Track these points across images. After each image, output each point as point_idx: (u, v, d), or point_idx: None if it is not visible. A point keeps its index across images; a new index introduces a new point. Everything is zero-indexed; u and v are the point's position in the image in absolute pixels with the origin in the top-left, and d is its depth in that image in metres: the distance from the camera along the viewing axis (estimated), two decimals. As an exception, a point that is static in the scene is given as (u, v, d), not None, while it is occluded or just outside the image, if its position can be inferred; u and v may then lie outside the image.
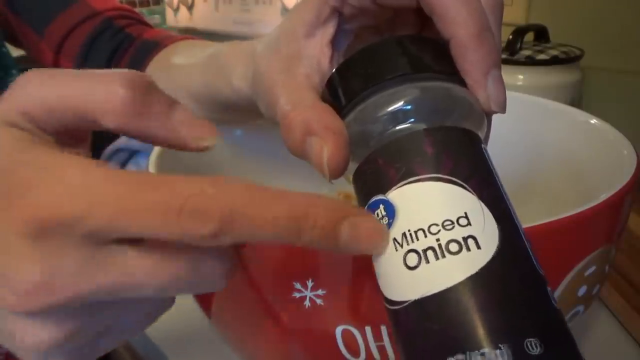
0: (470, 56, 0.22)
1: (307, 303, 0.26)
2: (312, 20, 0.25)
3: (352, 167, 0.22)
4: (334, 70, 0.23)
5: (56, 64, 0.54)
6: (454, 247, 0.18)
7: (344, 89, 0.23)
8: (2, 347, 0.22)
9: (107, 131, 0.22)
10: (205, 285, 0.22)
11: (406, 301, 0.19)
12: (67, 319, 0.20)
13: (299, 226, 0.19)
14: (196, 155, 0.41)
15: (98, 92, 0.21)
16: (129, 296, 0.20)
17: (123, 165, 0.67)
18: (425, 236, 0.18)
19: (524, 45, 0.65)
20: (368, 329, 0.26)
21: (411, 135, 0.20)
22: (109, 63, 0.52)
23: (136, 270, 0.19)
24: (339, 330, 0.26)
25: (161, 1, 1.37)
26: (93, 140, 0.25)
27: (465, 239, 0.18)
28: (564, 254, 0.26)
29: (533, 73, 0.64)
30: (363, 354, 0.27)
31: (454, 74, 0.23)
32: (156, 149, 0.36)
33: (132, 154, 0.68)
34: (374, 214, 0.20)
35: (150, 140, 0.23)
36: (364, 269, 0.25)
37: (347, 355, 0.27)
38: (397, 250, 0.19)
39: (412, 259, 0.18)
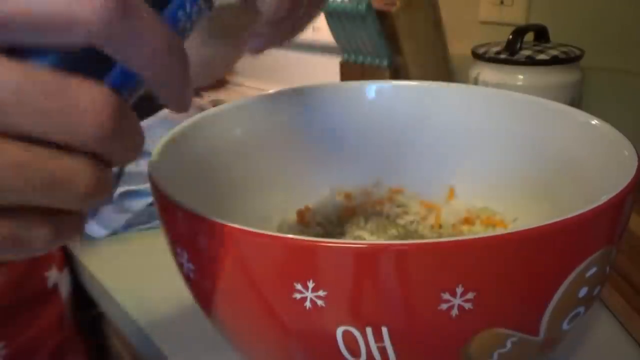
0: None
1: (307, 304, 0.26)
2: None
3: None
4: None
5: None
6: None
7: None
8: (2, 348, 0.22)
9: None
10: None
11: None
12: None
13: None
14: (197, 156, 0.41)
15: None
16: None
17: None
18: None
19: (524, 45, 0.65)
20: (369, 330, 0.26)
21: None
22: None
23: None
24: (339, 331, 0.26)
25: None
26: None
27: None
28: (565, 256, 0.26)
29: (533, 73, 0.64)
30: (364, 355, 0.27)
31: None
32: (157, 148, 0.36)
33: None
34: None
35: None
36: (365, 269, 0.25)
37: (348, 356, 0.27)
38: None
39: None
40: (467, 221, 0.46)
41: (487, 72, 0.67)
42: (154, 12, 0.19)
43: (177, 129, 0.39)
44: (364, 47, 0.79)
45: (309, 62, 1.10)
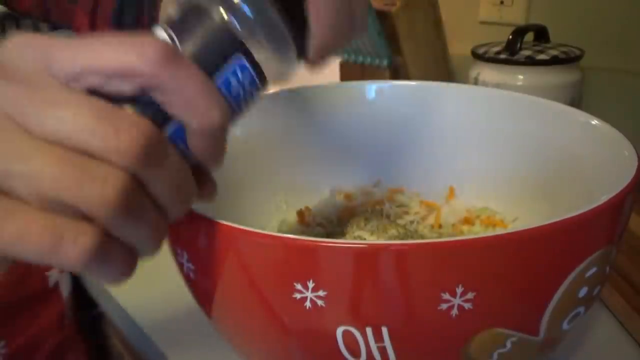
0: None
1: (307, 304, 0.26)
2: None
3: None
4: None
5: (93, 27, 0.54)
6: None
7: None
8: (2, 348, 0.22)
9: None
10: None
11: None
12: None
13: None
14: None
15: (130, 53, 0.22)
16: None
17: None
18: None
19: (524, 45, 0.65)
20: (369, 330, 0.26)
21: None
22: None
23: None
24: (339, 331, 0.26)
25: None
26: None
27: None
28: (565, 256, 0.26)
29: (533, 73, 0.64)
30: (364, 355, 0.27)
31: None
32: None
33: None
34: None
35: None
36: (365, 269, 0.25)
37: (348, 356, 0.27)
38: None
39: None
40: (467, 221, 0.46)
41: (487, 72, 0.67)
42: (194, 65, 0.23)
43: (177, 129, 0.39)
44: (364, 47, 0.79)
45: (309, 62, 1.10)
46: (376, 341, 0.26)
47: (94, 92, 0.22)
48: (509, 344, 0.27)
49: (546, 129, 0.42)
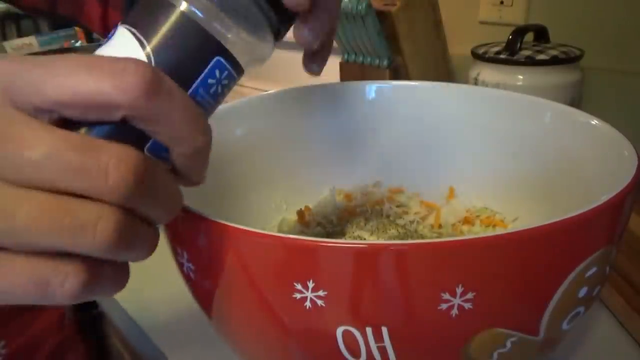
0: None
1: (307, 304, 0.26)
2: None
3: None
4: None
5: (105, 17, 0.54)
6: None
7: None
8: (2, 348, 0.22)
9: None
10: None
11: None
12: None
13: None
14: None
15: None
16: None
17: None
18: None
19: (523, 45, 0.65)
20: (369, 330, 0.26)
21: None
22: None
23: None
24: (339, 331, 0.26)
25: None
26: None
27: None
28: (565, 256, 0.26)
29: (533, 73, 0.64)
30: (364, 355, 0.27)
31: None
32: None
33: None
34: None
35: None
36: (364, 269, 0.25)
37: (348, 356, 0.27)
38: None
39: None
40: (467, 221, 0.46)
41: (487, 72, 0.67)
42: (179, 90, 0.22)
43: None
44: (364, 47, 0.79)
45: (309, 62, 1.10)
46: (376, 341, 0.26)
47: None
48: (509, 344, 0.27)
49: (546, 129, 0.42)
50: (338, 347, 0.27)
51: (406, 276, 0.25)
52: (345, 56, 0.84)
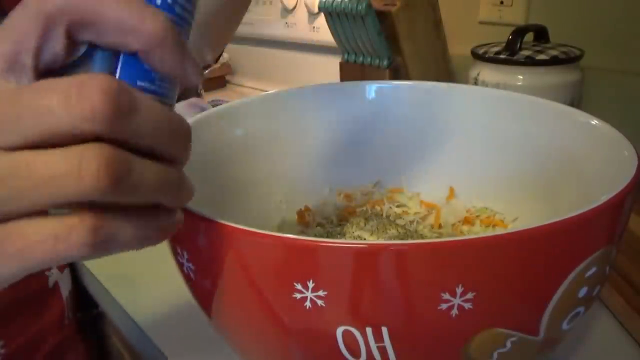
0: None
1: (307, 304, 0.26)
2: None
3: None
4: None
5: None
6: None
7: None
8: (1, 348, 0.22)
9: None
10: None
11: None
12: None
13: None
14: (196, 156, 0.41)
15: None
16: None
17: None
18: None
19: (523, 46, 0.65)
20: (369, 330, 0.26)
21: None
22: None
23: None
24: (339, 331, 0.26)
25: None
26: None
27: None
28: (565, 256, 0.26)
29: (533, 73, 0.64)
30: (364, 355, 0.27)
31: None
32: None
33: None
34: None
35: None
36: (364, 269, 0.25)
37: (348, 356, 0.27)
38: None
39: None
40: (467, 221, 0.46)
41: (487, 72, 0.67)
42: (145, 99, 0.21)
43: (177, 129, 0.39)
44: (363, 47, 0.79)
45: (309, 62, 1.10)
46: (376, 341, 0.26)
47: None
48: (509, 344, 0.27)
49: (546, 129, 0.42)
50: (338, 347, 0.27)
51: (406, 276, 0.25)
52: (345, 56, 0.84)
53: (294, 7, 1.04)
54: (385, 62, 0.78)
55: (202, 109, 0.83)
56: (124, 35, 0.22)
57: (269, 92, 0.48)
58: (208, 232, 0.27)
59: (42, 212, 0.20)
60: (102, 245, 0.21)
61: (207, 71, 0.62)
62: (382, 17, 0.74)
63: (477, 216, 0.46)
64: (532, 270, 0.26)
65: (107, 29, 0.22)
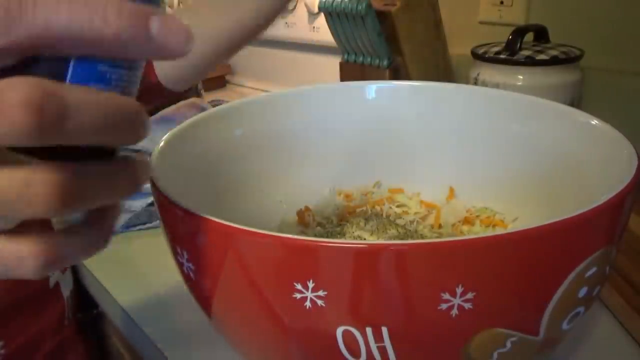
0: None
1: (307, 304, 0.26)
2: None
3: None
4: None
5: None
6: None
7: None
8: (1, 348, 0.22)
9: None
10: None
11: None
12: None
13: (104, 13, 0.18)
14: (197, 156, 0.41)
15: None
16: None
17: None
18: None
19: (523, 46, 0.65)
20: (369, 330, 0.26)
21: None
22: None
23: None
24: (339, 331, 0.26)
25: (161, 1, 1.37)
26: None
27: None
28: (564, 256, 0.26)
29: (533, 73, 0.64)
30: (364, 355, 0.27)
31: None
32: (156, 148, 0.36)
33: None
34: None
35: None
36: (364, 269, 0.25)
37: (348, 356, 0.27)
38: None
39: None
40: (467, 221, 0.46)
41: (487, 72, 0.67)
42: (81, 97, 0.18)
43: (176, 129, 0.39)
44: (363, 47, 0.79)
45: (309, 62, 1.10)
46: (376, 341, 0.26)
47: None
48: (509, 344, 0.27)
49: (546, 129, 0.42)
50: (338, 347, 0.27)
51: (406, 276, 0.25)
52: (345, 56, 0.84)
53: (294, 7, 1.04)
54: (385, 62, 0.78)
55: (202, 109, 0.83)
56: (80, 45, 0.19)
57: (269, 92, 0.48)
58: (208, 232, 0.27)
59: None
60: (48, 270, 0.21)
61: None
62: (382, 17, 0.74)
63: (477, 216, 0.46)
64: (532, 270, 0.26)
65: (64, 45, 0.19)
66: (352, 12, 0.73)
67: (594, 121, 0.38)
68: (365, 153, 0.50)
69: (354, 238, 0.43)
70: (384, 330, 0.26)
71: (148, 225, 0.61)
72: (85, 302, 0.60)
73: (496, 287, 0.26)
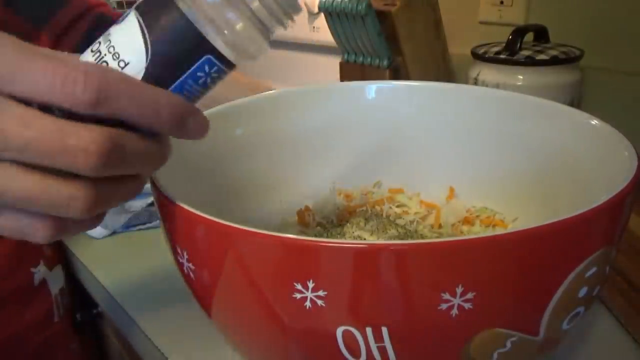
0: None
1: (307, 304, 0.26)
2: None
3: None
4: None
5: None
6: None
7: None
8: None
9: None
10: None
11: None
12: None
13: (158, 112, 0.24)
14: (196, 156, 0.41)
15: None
16: None
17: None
18: None
19: (523, 46, 0.65)
20: (369, 330, 0.26)
21: None
22: None
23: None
24: (339, 331, 0.26)
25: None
26: None
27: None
28: (564, 256, 0.26)
29: (533, 73, 0.64)
30: (364, 355, 0.27)
31: None
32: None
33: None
34: None
35: None
36: (364, 269, 0.25)
37: (348, 356, 0.27)
38: None
39: None
40: (467, 221, 0.46)
41: (487, 72, 0.67)
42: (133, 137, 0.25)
43: (177, 129, 0.39)
44: (363, 47, 0.79)
45: (309, 62, 1.10)
46: (376, 341, 0.26)
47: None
48: (509, 344, 0.27)
49: (546, 129, 0.42)
50: (338, 347, 0.27)
51: (406, 276, 0.25)
52: (345, 56, 0.84)
53: (294, 7, 1.04)
54: (385, 62, 0.78)
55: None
56: (142, 122, 0.25)
57: (270, 92, 0.48)
58: (208, 232, 0.27)
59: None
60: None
61: None
62: (382, 17, 0.74)
63: (477, 216, 0.46)
64: (532, 270, 0.26)
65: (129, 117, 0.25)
66: (352, 12, 0.73)
67: (594, 121, 0.38)
68: (365, 153, 0.50)
69: (354, 238, 0.43)
70: (384, 330, 0.26)
71: (148, 225, 0.61)
72: (85, 302, 0.60)
73: (496, 287, 0.26)
